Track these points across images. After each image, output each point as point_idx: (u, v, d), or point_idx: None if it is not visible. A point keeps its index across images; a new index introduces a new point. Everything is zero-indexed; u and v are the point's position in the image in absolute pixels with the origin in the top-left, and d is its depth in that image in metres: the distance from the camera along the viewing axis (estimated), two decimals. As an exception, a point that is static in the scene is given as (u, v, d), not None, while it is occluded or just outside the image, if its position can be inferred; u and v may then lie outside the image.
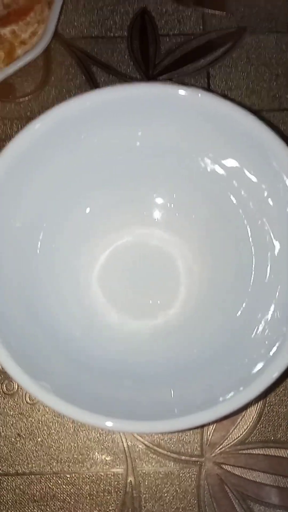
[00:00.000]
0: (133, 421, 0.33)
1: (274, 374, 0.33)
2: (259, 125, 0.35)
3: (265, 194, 0.37)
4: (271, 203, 0.37)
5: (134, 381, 0.38)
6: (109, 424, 0.32)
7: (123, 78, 0.48)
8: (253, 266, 0.39)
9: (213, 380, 0.36)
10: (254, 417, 0.42)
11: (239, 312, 0.39)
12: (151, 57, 0.49)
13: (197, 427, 0.42)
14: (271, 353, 0.34)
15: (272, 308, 0.37)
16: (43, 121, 0.36)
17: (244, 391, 0.33)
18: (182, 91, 0.36)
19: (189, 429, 0.42)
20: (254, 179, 0.38)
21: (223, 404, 0.32)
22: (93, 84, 0.48)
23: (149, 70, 0.48)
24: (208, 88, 0.48)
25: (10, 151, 0.35)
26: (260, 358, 0.34)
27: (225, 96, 0.46)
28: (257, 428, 0.42)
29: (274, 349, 0.34)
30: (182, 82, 0.48)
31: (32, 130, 0.36)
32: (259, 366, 0.34)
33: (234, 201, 0.40)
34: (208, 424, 0.42)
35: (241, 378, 0.34)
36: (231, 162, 0.39)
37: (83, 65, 0.48)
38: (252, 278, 0.39)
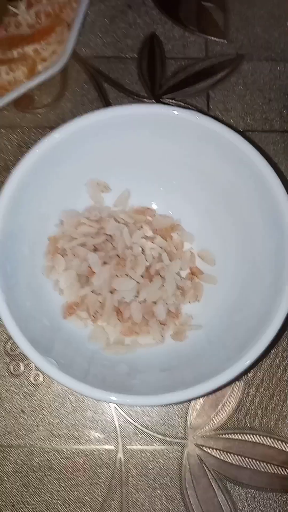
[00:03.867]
0: (126, 395, 0.37)
1: (246, 362, 0.38)
2: (246, 144, 0.40)
3: (255, 203, 0.42)
4: (260, 213, 0.42)
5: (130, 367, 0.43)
6: (96, 392, 0.37)
7: (132, 95, 0.53)
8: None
9: (201, 368, 0.41)
10: (233, 406, 0.47)
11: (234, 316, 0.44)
12: (157, 77, 0.54)
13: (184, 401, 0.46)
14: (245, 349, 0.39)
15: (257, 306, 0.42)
16: (62, 131, 0.41)
17: (223, 374, 0.38)
18: (183, 113, 0.41)
19: (178, 403, 0.47)
20: (245, 190, 0.43)
21: (206, 383, 0.37)
22: (104, 99, 0.53)
23: (155, 89, 0.53)
24: (207, 109, 0.53)
25: (33, 154, 0.41)
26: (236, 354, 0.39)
27: (222, 118, 0.52)
28: (235, 416, 0.47)
29: (251, 344, 0.39)
30: (184, 101, 0.53)
31: (52, 138, 0.41)
32: (235, 357, 0.39)
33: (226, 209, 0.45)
34: (191, 399, 0.47)
35: (221, 367, 0.39)
36: (224, 174, 0.43)
37: (96, 82, 0.53)
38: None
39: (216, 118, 0.41)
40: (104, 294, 0.44)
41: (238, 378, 0.45)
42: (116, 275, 0.44)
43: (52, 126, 0.52)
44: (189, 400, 0.46)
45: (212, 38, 0.55)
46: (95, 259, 0.44)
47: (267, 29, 0.56)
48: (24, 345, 0.38)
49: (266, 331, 0.38)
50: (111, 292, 0.44)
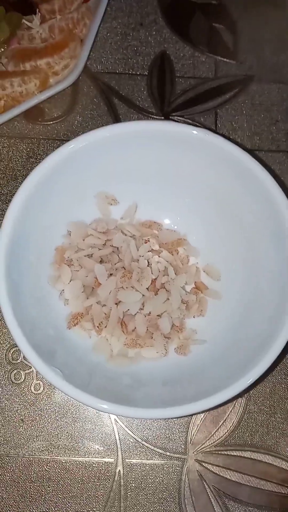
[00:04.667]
0: (127, 406, 0.38)
1: (249, 380, 0.38)
2: (253, 162, 0.41)
3: (261, 221, 0.43)
4: (265, 230, 0.43)
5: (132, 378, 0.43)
6: (104, 405, 0.37)
7: (141, 111, 0.54)
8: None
9: (203, 383, 0.41)
10: (234, 422, 0.47)
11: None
12: (167, 95, 0.55)
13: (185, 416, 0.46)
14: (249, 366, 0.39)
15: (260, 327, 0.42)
16: (75, 142, 0.41)
17: (225, 391, 0.38)
18: (194, 131, 0.42)
19: (178, 417, 0.47)
20: (251, 207, 0.43)
21: (207, 400, 0.37)
22: (113, 114, 0.54)
23: (164, 106, 0.54)
24: (216, 127, 0.54)
25: (44, 165, 0.41)
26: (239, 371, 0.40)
27: (229, 136, 0.52)
28: (236, 432, 0.47)
29: (254, 362, 0.39)
30: (193, 120, 0.54)
31: (65, 149, 0.41)
32: (238, 374, 0.39)
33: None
34: (192, 415, 0.47)
35: (223, 384, 0.39)
36: (232, 192, 0.44)
37: (106, 97, 0.54)
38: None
39: (224, 136, 0.42)
40: (109, 306, 0.44)
41: (240, 395, 0.45)
42: (122, 287, 0.44)
43: (61, 139, 0.52)
44: (191, 415, 0.46)
45: (222, 58, 0.56)
46: (102, 270, 0.44)
47: (275, 51, 0.57)
48: (29, 353, 0.38)
49: (270, 349, 0.39)
50: (116, 304, 0.44)
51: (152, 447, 0.46)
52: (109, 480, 0.45)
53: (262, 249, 0.43)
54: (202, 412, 0.46)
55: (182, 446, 0.46)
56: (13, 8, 0.53)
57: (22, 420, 0.46)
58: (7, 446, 0.46)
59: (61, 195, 0.44)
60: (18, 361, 0.47)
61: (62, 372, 0.39)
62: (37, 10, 0.53)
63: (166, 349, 0.44)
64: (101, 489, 0.45)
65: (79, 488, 0.45)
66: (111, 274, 0.44)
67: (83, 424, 0.46)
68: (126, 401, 0.39)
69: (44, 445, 0.46)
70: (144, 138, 0.43)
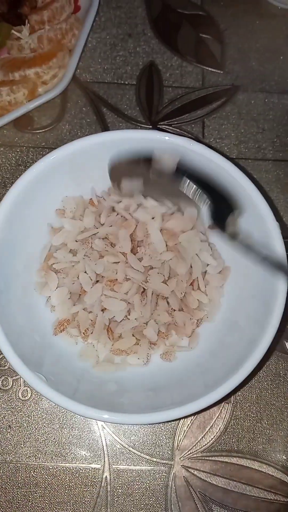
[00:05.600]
0: (113, 412, 0.38)
1: (233, 383, 0.38)
2: (237, 171, 0.42)
3: (243, 225, 0.43)
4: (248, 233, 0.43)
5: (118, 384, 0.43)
6: (81, 409, 0.38)
7: (129, 120, 0.55)
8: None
9: (188, 388, 0.42)
10: (221, 428, 0.47)
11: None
12: (155, 104, 0.55)
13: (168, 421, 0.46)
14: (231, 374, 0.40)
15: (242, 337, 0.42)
16: (62, 150, 0.42)
17: (208, 396, 0.38)
18: (177, 140, 0.42)
19: (160, 422, 0.47)
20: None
21: (192, 404, 0.38)
22: (102, 123, 0.54)
23: (152, 115, 0.55)
24: (203, 136, 0.54)
25: (30, 172, 0.42)
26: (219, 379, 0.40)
27: (216, 146, 0.53)
28: (222, 438, 0.47)
29: (237, 368, 0.39)
30: (180, 128, 0.54)
31: (52, 156, 0.42)
32: (223, 378, 0.39)
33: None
34: (178, 419, 0.47)
35: (207, 388, 0.40)
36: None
37: (95, 106, 0.55)
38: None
39: (210, 145, 0.43)
40: (95, 312, 0.44)
41: (225, 399, 0.46)
42: (109, 290, 0.44)
43: (50, 147, 0.53)
44: (177, 420, 0.47)
45: (209, 68, 0.57)
46: (86, 279, 0.44)
47: (262, 62, 0.57)
48: (14, 360, 0.38)
49: (253, 354, 0.39)
50: (102, 311, 0.44)
51: (139, 453, 0.46)
52: (96, 486, 0.45)
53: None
54: (188, 416, 0.47)
55: (169, 452, 0.46)
56: (2, 19, 0.53)
57: (9, 426, 0.46)
58: (-6, 453, 0.46)
59: (47, 202, 0.45)
60: (6, 367, 0.47)
61: (49, 379, 0.39)
62: (27, 21, 0.54)
63: (148, 358, 0.45)
64: (88, 495, 0.45)
65: (66, 494, 0.45)
66: (97, 281, 0.45)
67: (70, 430, 0.46)
68: (112, 407, 0.39)
69: (31, 451, 0.46)
70: (130, 147, 0.44)
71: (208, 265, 0.45)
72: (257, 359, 0.39)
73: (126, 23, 0.58)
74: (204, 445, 0.47)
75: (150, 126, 0.54)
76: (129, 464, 0.46)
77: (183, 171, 0.39)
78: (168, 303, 0.45)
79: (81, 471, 0.46)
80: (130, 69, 0.57)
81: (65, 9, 0.55)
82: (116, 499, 0.45)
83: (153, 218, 0.45)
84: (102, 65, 0.57)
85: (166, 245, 0.44)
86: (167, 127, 0.54)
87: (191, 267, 0.45)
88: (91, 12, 0.55)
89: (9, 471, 0.45)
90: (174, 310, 0.45)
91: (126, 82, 0.56)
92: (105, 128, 0.54)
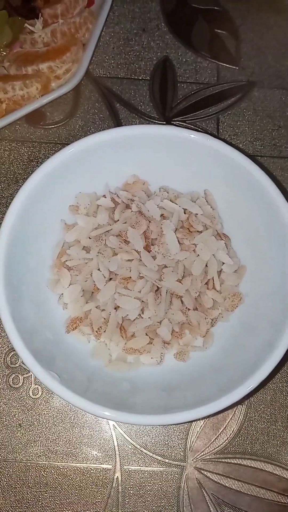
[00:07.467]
0: (125, 413, 0.37)
1: (249, 387, 0.38)
2: (255, 168, 0.41)
3: (259, 223, 0.43)
4: (264, 231, 0.43)
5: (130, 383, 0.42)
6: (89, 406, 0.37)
7: (142, 116, 0.54)
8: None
9: (202, 389, 0.41)
10: (234, 430, 0.46)
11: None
12: (168, 100, 0.55)
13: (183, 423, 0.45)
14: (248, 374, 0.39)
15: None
16: (75, 146, 0.42)
17: (225, 398, 0.37)
18: (194, 135, 0.42)
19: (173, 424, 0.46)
20: (252, 209, 0.43)
21: (207, 406, 0.37)
22: (115, 118, 0.54)
23: (166, 111, 0.54)
24: (217, 133, 0.54)
25: (44, 168, 0.42)
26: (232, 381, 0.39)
27: (231, 142, 0.52)
28: (236, 440, 0.46)
29: (254, 369, 0.39)
30: (194, 125, 0.54)
31: (65, 153, 0.42)
32: (238, 381, 0.39)
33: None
34: (192, 421, 0.46)
35: (222, 390, 0.39)
36: (232, 196, 0.44)
37: (108, 102, 0.54)
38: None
39: (225, 142, 0.42)
40: (108, 310, 0.43)
41: (240, 402, 0.45)
42: (123, 288, 0.43)
43: (62, 142, 0.52)
44: (190, 422, 0.46)
45: (224, 64, 0.56)
46: (100, 277, 0.43)
47: (278, 58, 0.57)
48: (27, 358, 0.37)
49: (270, 357, 0.38)
50: (115, 309, 0.44)
51: (151, 454, 0.46)
52: (107, 486, 0.45)
53: (265, 256, 0.43)
54: (202, 419, 0.46)
55: (181, 453, 0.46)
56: (16, 13, 0.53)
57: (20, 425, 0.46)
58: (5, 451, 0.45)
59: (61, 197, 0.44)
60: (17, 365, 0.47)
61: (61, 377, 0.38)
62: (40, 15, 0.53)
63: (162, 357, 0.44)
64: (99, 496, 0.44)
65: (76, 494, 0.44)
66: (110, 279, 0.44)
67: (81, 429, 0.46)
68: (124, 407, 0.38)
69: (41, 451, 0.45)
70: (145, 142, 0.43)
71: (223, 263, 0.44)
72: (275, 363, 0.38)
73: (140, 18, 0.57)
74: (217, 447, 0.46)
75: (164, 122, 0.54)
76: (141, 465, 0.45)
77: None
78: (182, 302, 0.44)
79: (92, 471, 0.45)
80: (143, 64, 0.56)
81: (78, 3, 0.54)
82: (127, 500, 0.45)
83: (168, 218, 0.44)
84: (115, 60, 0.56)
85: (182, 243, 0.44)
86: (181, 123, 0.54)
87: (206, 266, 0.44)
88: (105, 6, 0.54)
89: (19, 470, 0.45)
90: (189, 309, 0.44)
91: (140, 78, 0.55)
92: (118, 123, 0.53)
